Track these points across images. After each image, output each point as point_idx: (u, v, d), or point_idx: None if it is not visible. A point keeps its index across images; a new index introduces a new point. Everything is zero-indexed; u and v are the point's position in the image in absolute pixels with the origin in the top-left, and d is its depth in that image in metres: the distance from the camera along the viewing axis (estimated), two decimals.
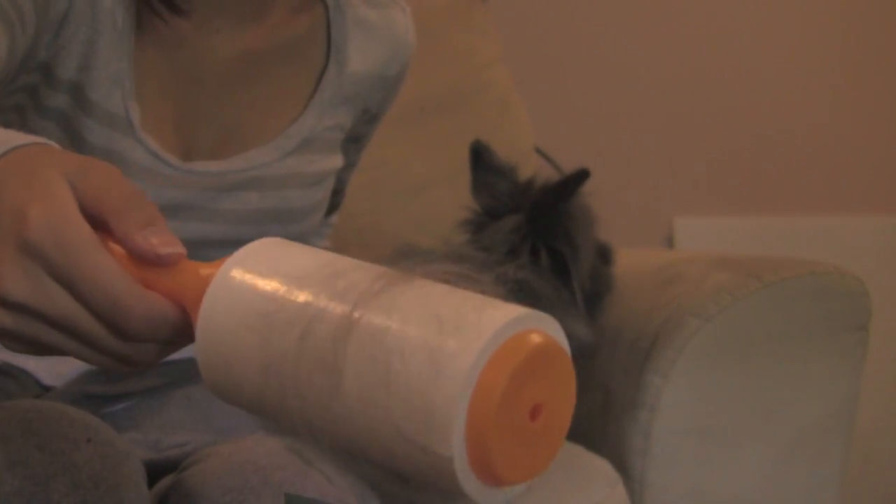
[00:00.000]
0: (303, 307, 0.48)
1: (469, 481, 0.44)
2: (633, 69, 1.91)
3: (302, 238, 1.04)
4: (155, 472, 0.82)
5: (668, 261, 1.26)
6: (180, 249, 0.55)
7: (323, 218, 1.12)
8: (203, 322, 0.51)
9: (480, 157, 1.17)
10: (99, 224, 0.54)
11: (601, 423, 1.18)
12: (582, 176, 1.13)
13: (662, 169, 1.93)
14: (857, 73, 1.96)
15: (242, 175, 0.96)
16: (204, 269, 0.53)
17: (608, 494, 1.07)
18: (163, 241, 0.54)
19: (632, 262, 1.30)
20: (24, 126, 0.90)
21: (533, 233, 1.12)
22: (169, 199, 0.92)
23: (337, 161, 1.04)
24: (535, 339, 0.45)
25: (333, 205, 1.16)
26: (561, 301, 1.10)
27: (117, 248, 0.54)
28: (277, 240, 0.54)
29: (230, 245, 0.97)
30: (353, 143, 1.11)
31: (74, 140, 0.89)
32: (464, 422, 0.43)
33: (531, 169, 1.65)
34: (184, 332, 0.54)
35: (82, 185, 0.54)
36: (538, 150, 1.72)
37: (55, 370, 0.96)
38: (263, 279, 0.50)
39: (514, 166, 1.18)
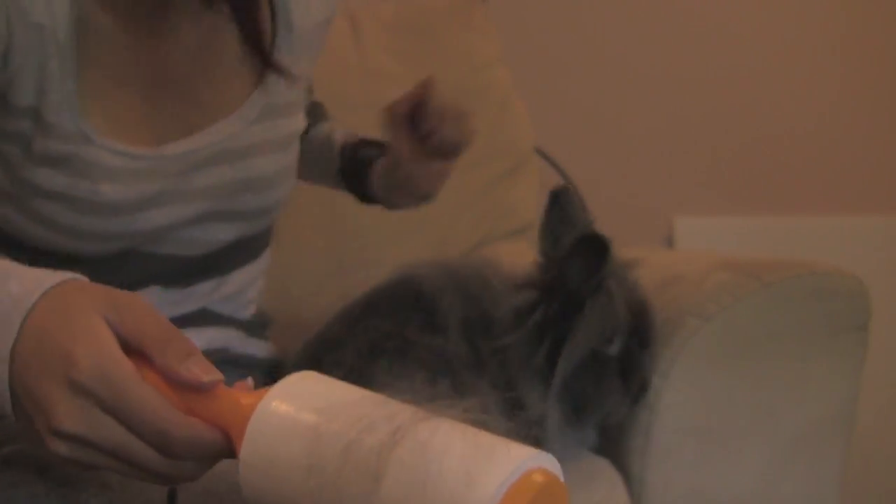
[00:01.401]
0: (342, 443, 0.53)
1: None
2: (633, 69, 1.91)
3: (280, 206, 1.05)
4: None
5: (668, 261, 1.26)
6: (219, 377, 0.60)
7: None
8: (247, 455, 0.56)
9: (557, 203, 1.07)
10: (135, 353, 0.60)
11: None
12: (595, 241, 1.01)
13: (662, 169, 1.93)
14: (857, 73, 1.96)
15: (211, 149, 0.96)
16: (244, 399, 0.58)
17: (608, 494, 1.07)
18: (203, 369, 0.60)
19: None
20: None
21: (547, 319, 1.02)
22: (143, 192, 0.93)
23: (301, 122, 1.05)
24: (540, 478, 0.51)
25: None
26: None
27: (155, 376, 0.60)
28: (313, 374, 0.58)
29: (210, 220, 0.98)
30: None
31: (33, 158, 0.90)
32: None
33: (535, 173, 1.65)
34: (224, 452, 0.59)
35: (119, 319, 0.61)
36: (538, 150, 1.72)
37: None
38: (302, 414, 0.55)
39: (592, 220, 1.08)
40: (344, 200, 1.21)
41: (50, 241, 0.94)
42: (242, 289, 1.07)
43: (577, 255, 1.01)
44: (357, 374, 0.98)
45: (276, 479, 0.54)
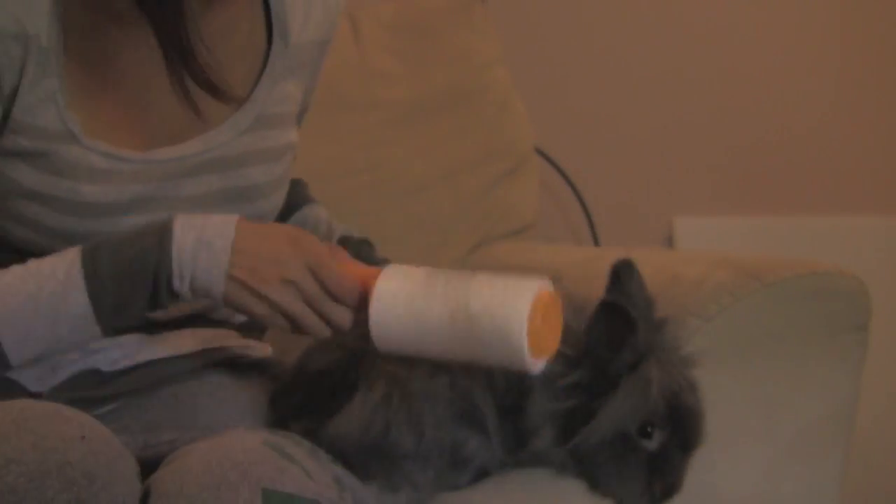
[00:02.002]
0: (439, 289, 0.87)
1: (531, 360, 0.86)
2: (633, 69, 1.91)
3: (274, 214, 1.06)
4: (145, 468, 0.83)
5: (668, 261, 1.26)
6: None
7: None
8: (376, 301, 0.88)
9: (620, 278, 0.98)
10: None
11: None
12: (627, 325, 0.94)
13: (662, 169, 1.93)
14: (857, 73, 1.96)
15: (201, 157, 0.97)
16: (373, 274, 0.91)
17: None
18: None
19: None
20: None
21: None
22: (131, 194, 0.94)
23: (293, 135, 1.05)
24: (547, 290, 0.87)
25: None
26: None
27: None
28: (404, 266, 0.91)
29: None
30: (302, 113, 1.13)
31: (3, 152, 0.91)
32: (526, 329, 0.84)
33: (535, 173, 1.65)
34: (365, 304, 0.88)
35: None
36: (538, 150, 1.72)
37: (41, 378, 0.96)
38: (408, 279, 0.89)
39: (651, 300, 1.00)
40: (343, 201, 1.21)
41: (36, 244, 0.94)
42: None
43: (599, 321, 0.95)
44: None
45: (402, 330, 0.88)
